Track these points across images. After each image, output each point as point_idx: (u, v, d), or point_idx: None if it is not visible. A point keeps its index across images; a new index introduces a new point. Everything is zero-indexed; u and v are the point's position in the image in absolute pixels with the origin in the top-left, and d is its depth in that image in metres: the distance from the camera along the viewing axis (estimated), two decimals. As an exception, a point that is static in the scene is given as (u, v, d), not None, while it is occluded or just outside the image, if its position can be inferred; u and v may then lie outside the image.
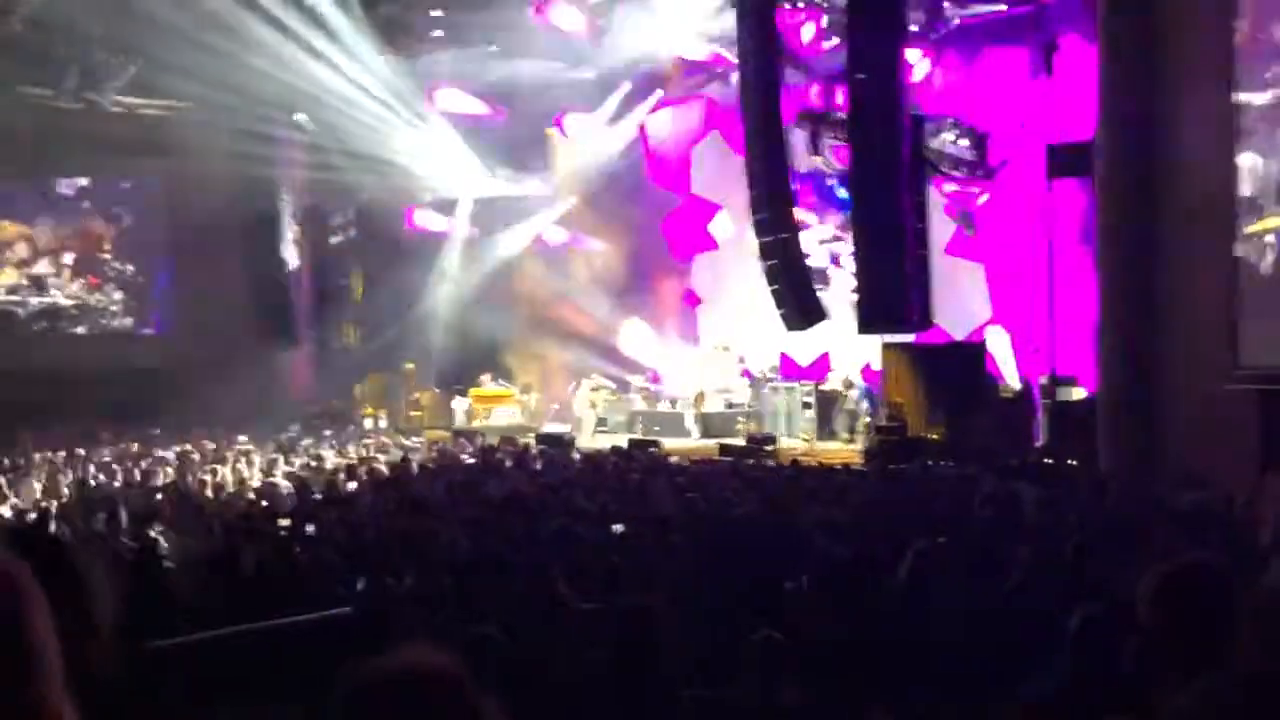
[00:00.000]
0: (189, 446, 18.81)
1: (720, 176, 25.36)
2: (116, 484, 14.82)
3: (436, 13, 24.01)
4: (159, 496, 12.90)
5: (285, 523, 10.18)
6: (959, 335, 22.19)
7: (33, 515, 11.58)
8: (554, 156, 27.08)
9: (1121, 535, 7.97)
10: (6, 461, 16.89)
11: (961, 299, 22.39)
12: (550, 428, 23.27)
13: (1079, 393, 18.36)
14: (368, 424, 25.98)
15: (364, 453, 18.44)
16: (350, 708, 1.68)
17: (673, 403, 24.76)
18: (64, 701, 1.69)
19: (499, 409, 25.55)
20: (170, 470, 16.14)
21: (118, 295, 28.45)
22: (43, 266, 27.94)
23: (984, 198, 22.49)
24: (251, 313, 26.42)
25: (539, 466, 15.46)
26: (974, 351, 20.61)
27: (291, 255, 27.28)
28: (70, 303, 28.05)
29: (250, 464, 16.76)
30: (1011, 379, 21.00)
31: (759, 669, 4.25)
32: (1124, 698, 3.54)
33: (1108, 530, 8.30)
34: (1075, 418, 17.05)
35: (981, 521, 8.66)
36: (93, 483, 14.91)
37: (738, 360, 25.14)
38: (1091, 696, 3.83)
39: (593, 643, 5.00)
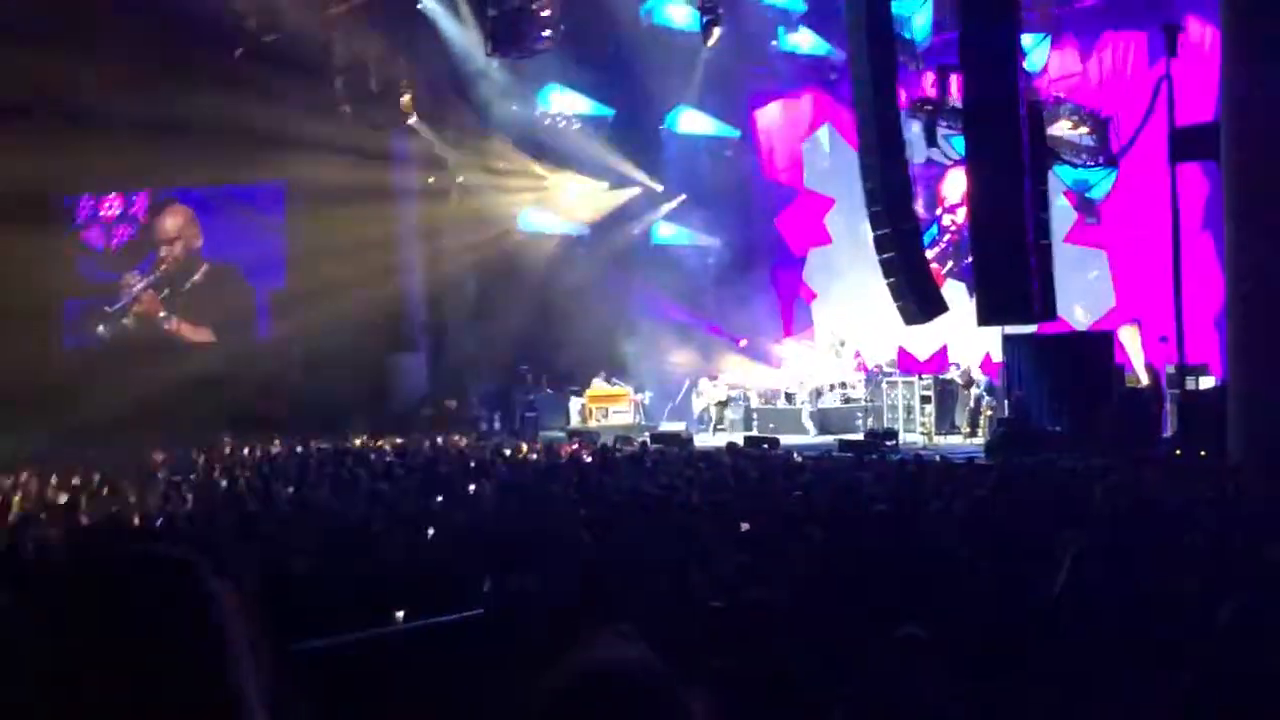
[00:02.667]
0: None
1: (833, 170, 25.20)
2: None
3: (545, 13, 24.03)
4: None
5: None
6: (1082, 326, 21.69)
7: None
8: (665, 154, 26.98)
9: (1256, 528, 7.69)
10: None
11: (1085, 289, 21.89)
12: (666, 426, 23.25)
13: (1209, 381, 17.77)
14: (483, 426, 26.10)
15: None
16: (559, 705, 1.55)
17: (789, 398, 24.57)
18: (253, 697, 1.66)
19: (613, 409, 25.49)
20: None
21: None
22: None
23: (1107, 184, 21.93)
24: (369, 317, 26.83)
25: (650, 465, 15.30)
26: (1101, 341, 20.09)
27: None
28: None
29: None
30: (1139, 369, 20.43)
31: (900, 668, 4.15)
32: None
33: (1241, 522, 8.03)
34: (1204, 408, 16.51)
35: (1109, 515, 8.43)
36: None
37: (854, 355, 24.86)
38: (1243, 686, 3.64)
39: (722, 640, 4.94)
